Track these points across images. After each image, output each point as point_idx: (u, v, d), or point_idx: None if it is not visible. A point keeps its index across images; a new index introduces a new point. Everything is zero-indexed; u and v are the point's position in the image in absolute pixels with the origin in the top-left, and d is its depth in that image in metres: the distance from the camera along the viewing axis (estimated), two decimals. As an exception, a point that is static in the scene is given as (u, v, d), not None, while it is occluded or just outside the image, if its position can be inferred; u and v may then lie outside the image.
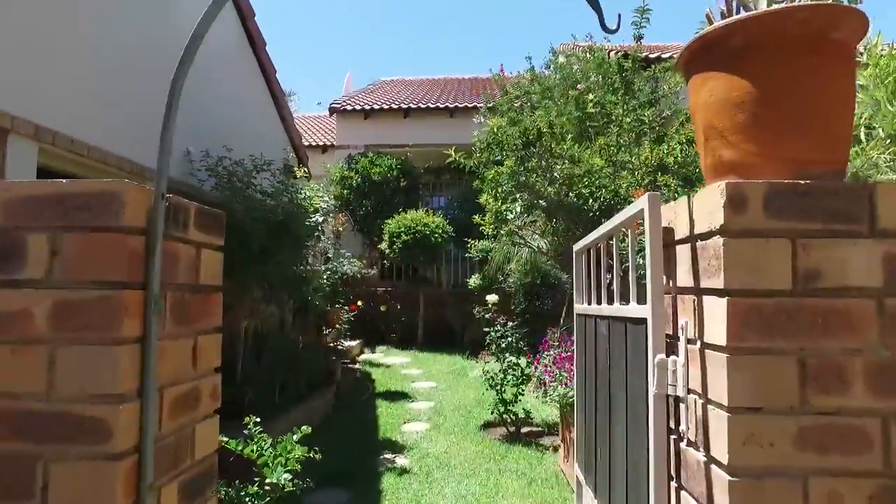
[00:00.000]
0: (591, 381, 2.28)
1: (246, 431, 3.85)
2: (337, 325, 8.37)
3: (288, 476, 1.97)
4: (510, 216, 5.65)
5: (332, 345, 8.53)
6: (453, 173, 14.13)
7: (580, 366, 2.60)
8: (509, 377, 5.28)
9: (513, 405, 5.24)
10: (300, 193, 5.27)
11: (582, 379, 2.56)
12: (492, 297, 5.28)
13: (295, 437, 2.10)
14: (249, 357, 4.86)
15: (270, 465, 2.01)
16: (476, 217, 5.99)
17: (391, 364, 8.39)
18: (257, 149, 5.42)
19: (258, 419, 2.28)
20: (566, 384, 3.89)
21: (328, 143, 13.79)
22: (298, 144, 7.17)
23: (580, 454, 2.63)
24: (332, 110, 12.17)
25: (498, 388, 5.23)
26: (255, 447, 2.08)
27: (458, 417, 5.75)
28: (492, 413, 5.34)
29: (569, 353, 4.29)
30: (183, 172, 4.74)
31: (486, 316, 5.32)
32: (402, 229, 9.41)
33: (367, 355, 9.25)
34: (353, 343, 9.23)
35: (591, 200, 6.11)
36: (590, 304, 2.40)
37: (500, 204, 5.58)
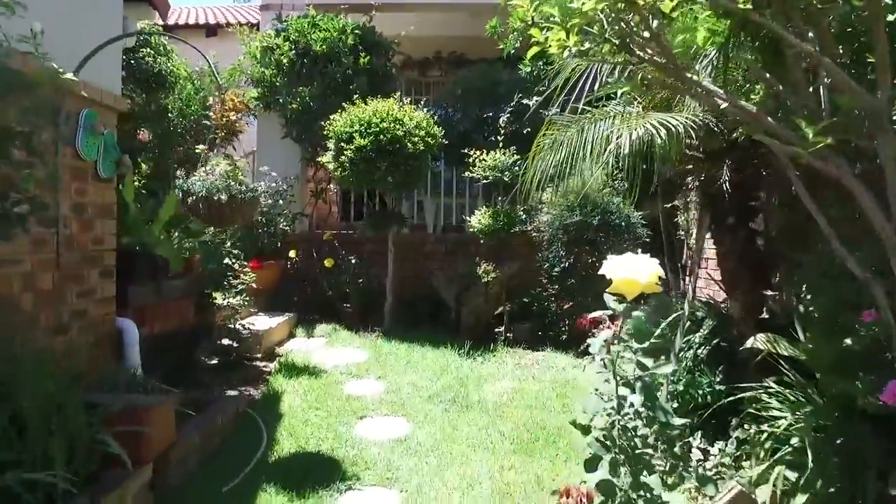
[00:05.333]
0: None
1: None
2: (224, 295, 4.55)
3: None
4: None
5: (231, 327, 4.77)
6: (447, 66, 9.87)
7: None
8: None
9: None
10: None
11: None
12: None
13: None
14: None
15: None
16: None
17: (328, 368, 4.61)
18: None
19: None
20: None
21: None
22: None
23: None
24: (257, -47, 7.80)
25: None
26: None
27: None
28: None
29: None
30: None
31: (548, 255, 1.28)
32: (357, 128, 5.41)
33: (298, 341, 5.50)
34: (275, 322, 5.43)
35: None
36: None
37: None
